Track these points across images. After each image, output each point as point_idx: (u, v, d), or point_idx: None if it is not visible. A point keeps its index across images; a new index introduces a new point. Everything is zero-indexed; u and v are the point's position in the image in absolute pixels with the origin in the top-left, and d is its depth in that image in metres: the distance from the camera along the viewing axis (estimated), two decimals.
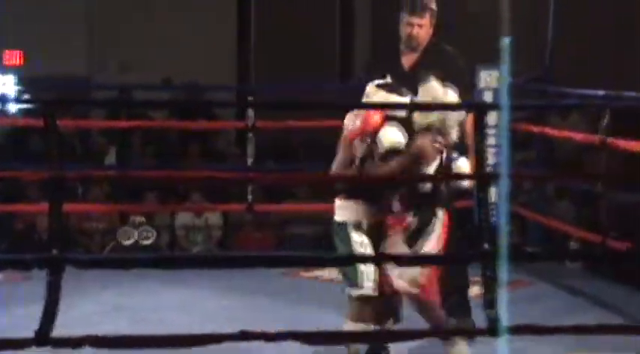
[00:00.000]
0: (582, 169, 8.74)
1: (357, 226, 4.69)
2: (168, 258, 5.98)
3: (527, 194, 8.25)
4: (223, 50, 11.76)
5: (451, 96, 4.67)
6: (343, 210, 4.72)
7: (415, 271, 4.52)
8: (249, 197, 7.93)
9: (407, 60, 5.17)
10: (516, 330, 4.50)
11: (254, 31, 11.81)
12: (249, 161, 8.01)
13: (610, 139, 6.80)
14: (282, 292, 6.51)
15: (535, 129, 7.76)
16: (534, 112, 8.06)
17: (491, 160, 7.31)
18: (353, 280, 4.60)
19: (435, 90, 4.63)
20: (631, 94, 6.49)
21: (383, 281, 4.58)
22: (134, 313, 5.99)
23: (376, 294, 4.58)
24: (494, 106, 6.94)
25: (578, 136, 7.29)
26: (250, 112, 8.02)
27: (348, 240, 4.70)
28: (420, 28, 5.08)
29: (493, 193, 6.98)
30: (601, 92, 6.88)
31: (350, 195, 4.70)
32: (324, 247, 8.19)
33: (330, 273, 6.99)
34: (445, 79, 4.70)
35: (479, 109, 4.66)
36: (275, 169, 9.32)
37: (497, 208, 7.25)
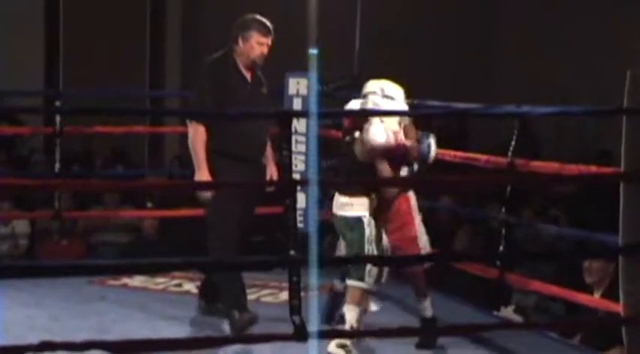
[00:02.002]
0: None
1: (369, 222, 5.40)
2: None
3: None
4: (31, 55, 11.46)
5: None
6: (354, 206, 5.39)
7: None
8: (57, 204, 7.77)
9: (248, 74, 5.80)
10: (321, 334, 4.57)
11: (62, 37, 11.56)
12: (57, 167, 7.85)
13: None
14: (89, 301, 6.39)
15: None
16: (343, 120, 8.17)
17: (300, 166, 7.40)
18: (358, 273, 5.31)
19: None
20: (434, 103, 6.67)
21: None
22: None
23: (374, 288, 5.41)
24: (302, 113, 7.04)
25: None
26: (57, 118, 7.87)
27: (362, 236, 5.36)
28: (268, 47, 5.73)
29: (302, 199, 7.10)
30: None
31: (357, 190, 5.42)
32: (133, 255, 8.11)
33: (139, 281, 6.91)
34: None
35: (286, 116, 4.74)
36: (83, 176, 9.16)
37: (306, 214, 7.36)
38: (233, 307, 5.64)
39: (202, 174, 5.62)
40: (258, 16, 5.76)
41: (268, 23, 5.75)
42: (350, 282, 5.38)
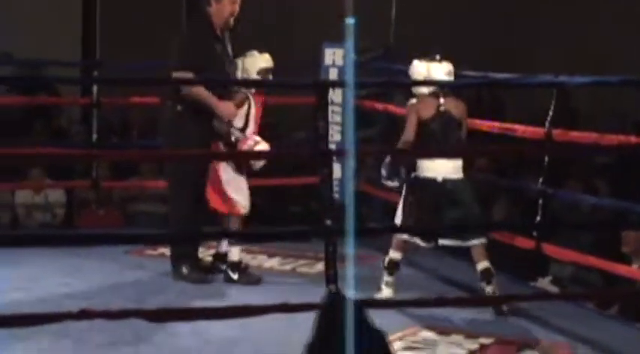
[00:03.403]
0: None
1: None
2: (6, 236, 5.82)
3: (372, 171, 8.35)
4: (68, 25, 11.49)
5: None
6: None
7: None
8: (94, 174, 7.82)
9: (221, 34, 6.10)
10: (357, 304, 4.57)
11: (99, 6, 11.58)
12: (94, 137, 7.90)
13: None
14: (126, 270, 6.42)
15: (379, 106, 7.85)
16: (379, 90, 8.15)
17: (336, 137, 7.40)
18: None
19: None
20: (469, 73, 6.62)
21: None
22: None
23: None
24: (338, 83, 7.03)
25: None
26: (95, 89, 7.91)
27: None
28: (238, 5, 6.02)
29: (338, 169, 7.09)
30: None
31: None
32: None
33: None
34: None
35: (322, 87, 4.74)
36: (120, 146, 9.19)
37: (342, 184, 7.36)
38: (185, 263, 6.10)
39: (224, 105, 5.96)
40: None
41: None
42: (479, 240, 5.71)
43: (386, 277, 5.78)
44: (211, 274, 6.22)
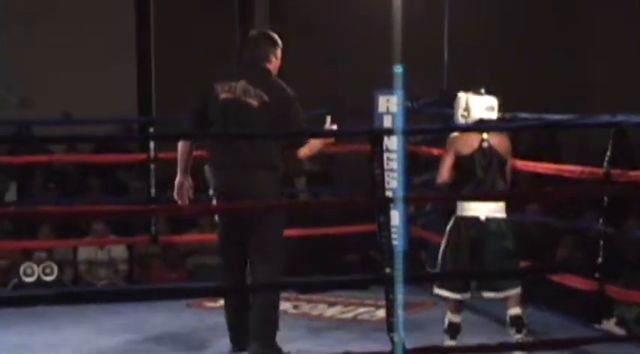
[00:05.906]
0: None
1: None
2: (69, 294, 5.89)
3: (429, 216, 8.33)
4: (124, 82, 11.67)
5: None
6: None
7: None
8: (153, 229, 7.89)
9: None
10: (419, 352, 4.55)
11: (154, 62, 11.76)
12: (152, 192, 7.96)
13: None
14: (187, 324, 6.45)
15: (435, 151, 7.83)
16: (434, 135, 8.13)
17: (392, 183, 7.38)
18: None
19: None
20: (523, 115, 6.59)
21: None
22: (34, 351, 5.91)
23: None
24: (391, 131, 7.04)
25: None
26: (151, 144, 7.99)
27: None
28: None
29: (395, 216, 7.07)
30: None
31: None
32: None
33: None
34: None
35: (376, 135, 4.75)
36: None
37: (399, 231, 7.34)
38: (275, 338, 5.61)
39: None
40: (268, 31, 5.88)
41: None
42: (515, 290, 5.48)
43: (448, 341, 5.58)
44: None
